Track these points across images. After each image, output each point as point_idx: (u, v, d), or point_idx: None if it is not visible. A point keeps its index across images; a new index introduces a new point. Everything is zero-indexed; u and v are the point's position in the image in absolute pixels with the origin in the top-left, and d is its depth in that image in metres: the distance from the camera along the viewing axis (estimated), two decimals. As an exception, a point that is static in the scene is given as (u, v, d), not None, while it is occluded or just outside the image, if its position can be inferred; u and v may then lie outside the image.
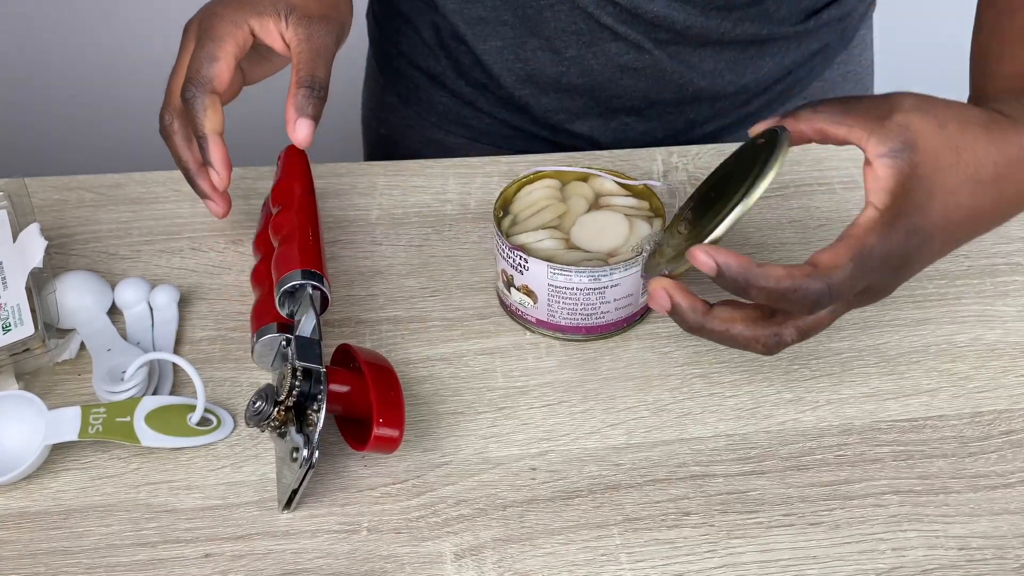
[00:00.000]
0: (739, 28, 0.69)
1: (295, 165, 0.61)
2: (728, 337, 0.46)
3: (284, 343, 0.51)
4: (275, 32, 0.57)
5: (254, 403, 0.48)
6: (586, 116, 0.75)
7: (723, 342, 0.47)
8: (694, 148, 0.73)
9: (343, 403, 0.49)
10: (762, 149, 0.48)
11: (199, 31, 0.57)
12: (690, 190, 0.69)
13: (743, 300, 0.45)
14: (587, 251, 0.56)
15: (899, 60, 1.06)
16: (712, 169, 0.53)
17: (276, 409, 0.47)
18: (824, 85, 0.78)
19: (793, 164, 0.72)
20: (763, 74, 0.74)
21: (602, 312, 0.55)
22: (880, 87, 0.85)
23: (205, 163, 0.57)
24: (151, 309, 0.58)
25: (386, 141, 0.84)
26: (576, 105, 0.74)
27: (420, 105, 0.79)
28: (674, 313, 0.46)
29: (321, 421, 0.46)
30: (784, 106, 0.77)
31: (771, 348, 0.46)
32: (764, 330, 0.46)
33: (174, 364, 0.55)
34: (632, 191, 0.59)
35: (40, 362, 0.54)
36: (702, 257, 0.43)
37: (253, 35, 0.57)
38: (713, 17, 0.68)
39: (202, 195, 0.58)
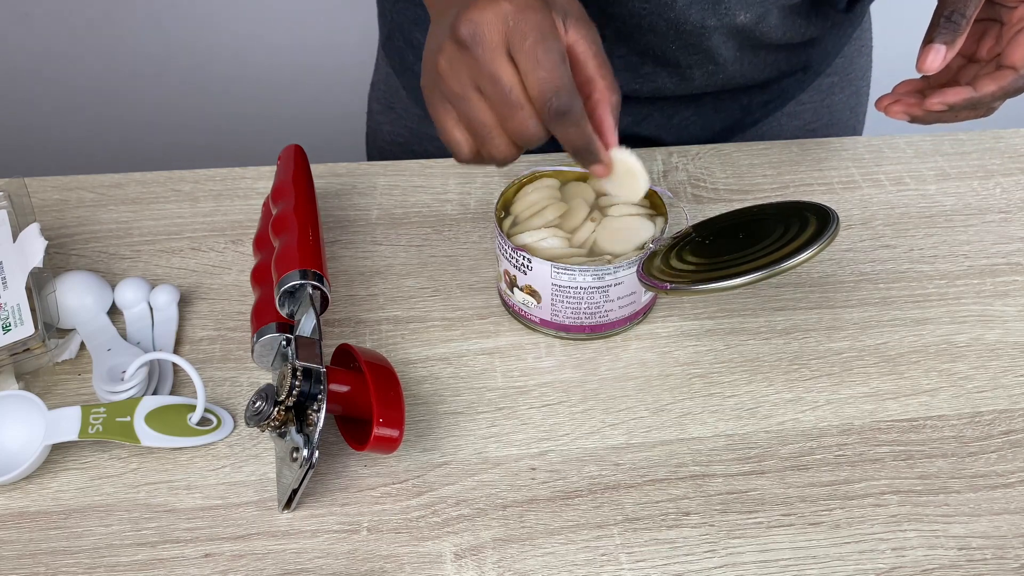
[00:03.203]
0: (815, 28, 0.72)
1: (295, 165, 0.61)
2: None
3: (284, 343, 0.52)
4: None
5: (254, 403, 0.48)
6: (651, 118, 0.75)
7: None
8: (694, 148, 0.73)
9: (343, 403, 0.49)
10: (808, 222, 0.51)
11: None
12: (691, 190, 0.69)
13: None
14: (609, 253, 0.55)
15: (891, 31, 1.07)
16: (743, 205, 0.56)
17: (276, 409, 0.47)
18: (843, 61, 0.80)
19: (793, 164, 0.72)
20: (813, 59, 0.77)
21: (605, 311, 0.55)
22: (876, 57, 0.87)
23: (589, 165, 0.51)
24: (151, 309, 0.58)
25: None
26: (643, 111, 0.75)
27: None
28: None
29: (321, 421, 0.46)
30: (812, 84, 0.80)
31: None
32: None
33: (174, 364, 0.55)
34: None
35: (40, 362, 0.54)
36: (952, 98, 0.56)
37: None
38: (805, 26, 0.70)
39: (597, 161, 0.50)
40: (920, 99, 0.57)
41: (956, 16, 0.55)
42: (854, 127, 0.84)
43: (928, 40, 0.55)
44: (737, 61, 0.71)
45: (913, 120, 0.58)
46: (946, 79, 0.60)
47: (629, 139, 0.76)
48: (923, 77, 0.60)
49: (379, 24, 0.83)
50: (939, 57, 0.55)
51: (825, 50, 0.77)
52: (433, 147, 0.80)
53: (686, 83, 0.71)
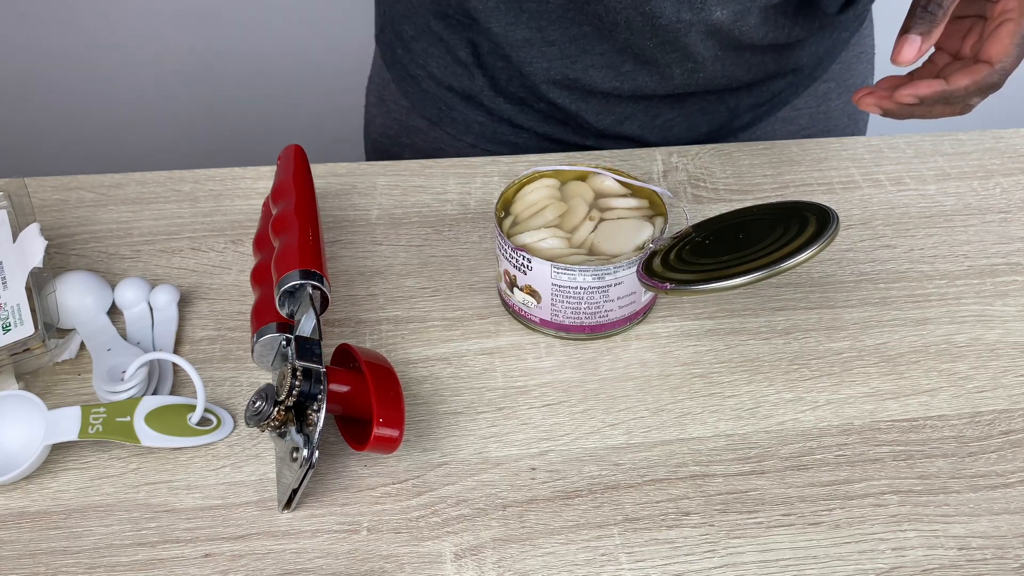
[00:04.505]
0: (801, 30, 0.71)
1: (295, 165, 0.61)
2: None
3: (284, 343, 0.52)
4: None
5: (254, 403, 0.48)
6: (634, 117, 0.75)
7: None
8: (694, 148, 0.73)
9: (343, 403, 0.49)
10: (808, 222, 0.51)
11: None
12: (691, 190, 0.69)
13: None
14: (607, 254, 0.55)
15: (895, 38, 1.07)
16: (743, 204, 0.55)
17: (276, 409, 0.47)
18: (841, 67, 0.80)
19: (793, 164, 0.72)
20: (803, 62, 0.76)
21: (605, 311, 0.55)
22: (879, 65, 0.86)
23: None
24: (151, 309, 0.58)
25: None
26: (626, 110, 0.74)
27: (454, 126, 0.78)
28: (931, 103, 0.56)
29: (321, 421, 0.46)
30: (808, 89, 0.79)
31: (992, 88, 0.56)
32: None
33: (174, 364, 0.55)
34: (632, 189, 0.59)
35: (40, 362, 0.54)
36: (925, 90, 0.55)
37: None
38: (790, 27, 0.70)
39: None
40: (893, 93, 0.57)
41: (933, 7, 0.54)
42: (852, 134, 0.83)
43: (904, 31, 0.55)
44: (718, 60, 0.70)
45: (885, 113, 0.57)
46: (931, 76, 0.59)
47: (613, 138, 0.76)
48: (909, 74, 0.60)
49: (375, 17, 0.83)
50: (914, 48, 0.54)
51: (816, 54, 0.76)
52: (420, 139, 0.80)
53: (667, 82, 0.71)
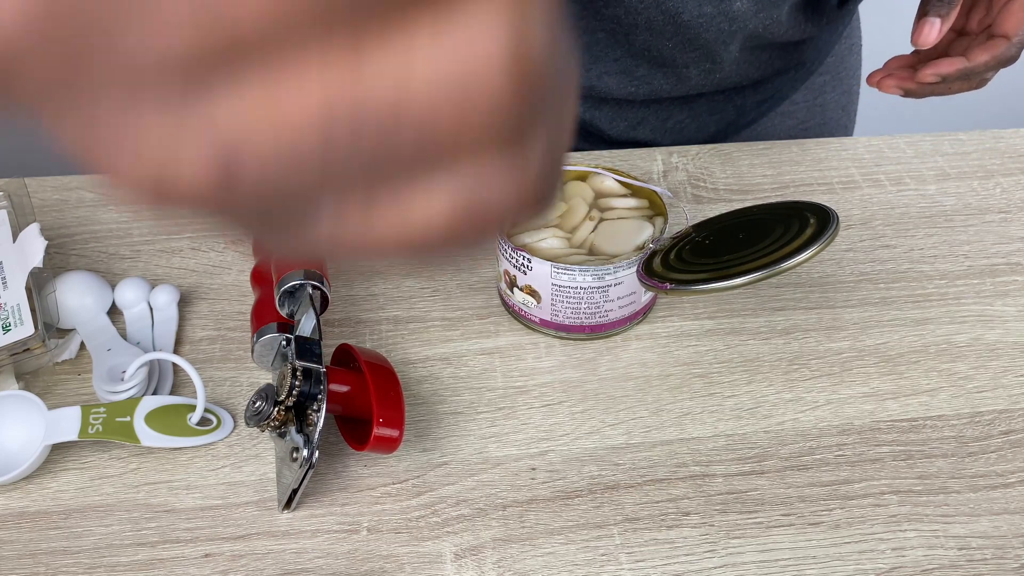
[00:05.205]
0: (812, 26, 0.72)
1: (295, 165, 0.61)
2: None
3: (284, 343, 0.52)
4: None
5: (254, 403, 0.48)
6: (646, 122, 0.75)
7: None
8: (694, 148, 0.73)
9: (343, 403, 0.49)
10: (808, 222, 0.52)
11: None
12: (691, 190, 0.69)
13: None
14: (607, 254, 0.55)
15: (879, 29, 1.07)
16: (744, 203, 0.55)
17: (276, 409, 0.47)
18: (834, 60, 0.80)
19: (793, 164, 0.72)
20: (806, 57, 0.77)
21: (605, 311, 0.55)
22: (865, 56, 0.87)
23: None
24: (151, 309, 0.58)
25: None
26: (638, 114, 0.74)
27: None
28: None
29: (321, 421, 0.46)
30: (805, 83, 0.79)
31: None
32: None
33: (174, 364, 0.55)
34: (632, 189, 0.59)
35: (40, 362, 0.54)
36: (945, 69, 0.57)
37: None
38: (804, 23, 0.70)
39: None
40: (912, 73, 0.57)
41: None
42: (846, 125, 0.84)
43: (922, 13, 0.55)
44: (735, 61, 0.70)
45: (906, 94, 0.58)
46: (937, 54, 0.60)
47: (625, 143, 0.76)
48: (914, 52, 0.60)
49: None
50: (934, 30, 0.55)
51: (818, 48, 0.77)
52: None
53: (682, 83, 0.71)
